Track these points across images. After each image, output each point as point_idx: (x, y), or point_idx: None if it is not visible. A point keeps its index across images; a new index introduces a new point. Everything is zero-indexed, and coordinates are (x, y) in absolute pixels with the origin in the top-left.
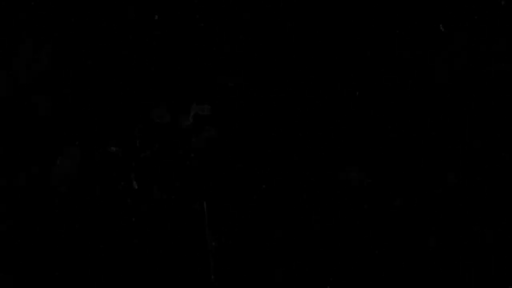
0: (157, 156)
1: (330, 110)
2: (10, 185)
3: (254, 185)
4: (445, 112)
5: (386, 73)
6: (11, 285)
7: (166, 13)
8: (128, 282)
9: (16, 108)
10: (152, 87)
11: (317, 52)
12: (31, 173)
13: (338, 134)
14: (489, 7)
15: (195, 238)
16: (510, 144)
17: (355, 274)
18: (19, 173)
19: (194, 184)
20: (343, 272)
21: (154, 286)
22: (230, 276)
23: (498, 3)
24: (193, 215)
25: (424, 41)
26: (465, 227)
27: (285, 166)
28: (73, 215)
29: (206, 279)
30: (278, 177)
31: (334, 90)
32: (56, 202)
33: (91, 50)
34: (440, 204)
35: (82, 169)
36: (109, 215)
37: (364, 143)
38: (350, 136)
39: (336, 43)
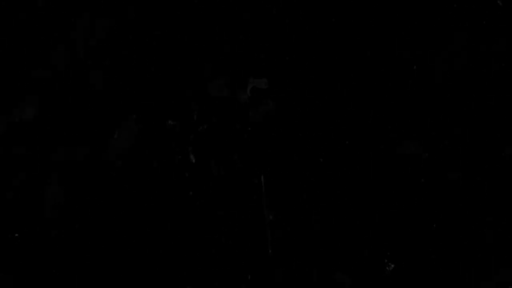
0: (215, 130)
1: (330, 110)
2: (68, 159)
3: (312, 159)
4: (445, 112)
5: (386, 73)
6: (11, 285)
7: None
8: (187, 252)
9: (73, 82)
10: (210, 61)
11: (317, 52)
12: (89, 148)
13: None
14: (488, 7)
15: (253, 212)
16: (510, 144)
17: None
18: (77, 148)
19: (252, 158)
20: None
21: (212, 257)
22: (287, 250)
23: (496, 3)
24: (251, 190)
25: (424, 41)
26: (465, 227)
27: (342, 140)
28: (130, 189)
29: (263, 253)
30: (335, 151)
31: (334, 90)
32: (113, 175)
33: (148, 24)
34: (440, 204)
35: (139, 143)
36: (166, 189)
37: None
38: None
39: (336, 43)
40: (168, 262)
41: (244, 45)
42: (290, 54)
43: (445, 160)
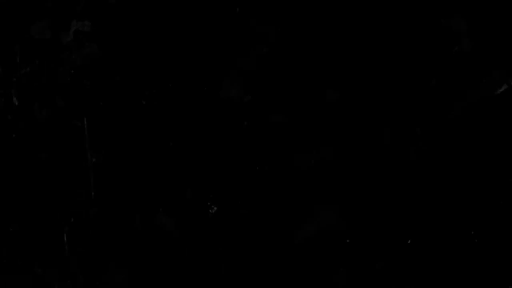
0: (38, 73)
1: (329, 110)
2: None
3: (134, 100)
4: (445, 112)
5: (386, 73)
6: (12, 285)
7: None
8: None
9: None
10: (32, 2)
11: (316, 52)
12: None
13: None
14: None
15: (75, 155)
16: (510, 144)
17: None
18: None
19: (75, 100)
20: None
21: (37, 200)
22: (110, 193)
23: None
24: (74, 132)
25: (424, 41)
26: (465, 227)
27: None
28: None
29: (86, 195)
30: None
31: (334, 90)
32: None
33: None
34: (440, 204)
35: None
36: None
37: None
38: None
39: (336, 43)
40: (168, 262)
41: None
42: (290, 53)
43: (445, 159)
